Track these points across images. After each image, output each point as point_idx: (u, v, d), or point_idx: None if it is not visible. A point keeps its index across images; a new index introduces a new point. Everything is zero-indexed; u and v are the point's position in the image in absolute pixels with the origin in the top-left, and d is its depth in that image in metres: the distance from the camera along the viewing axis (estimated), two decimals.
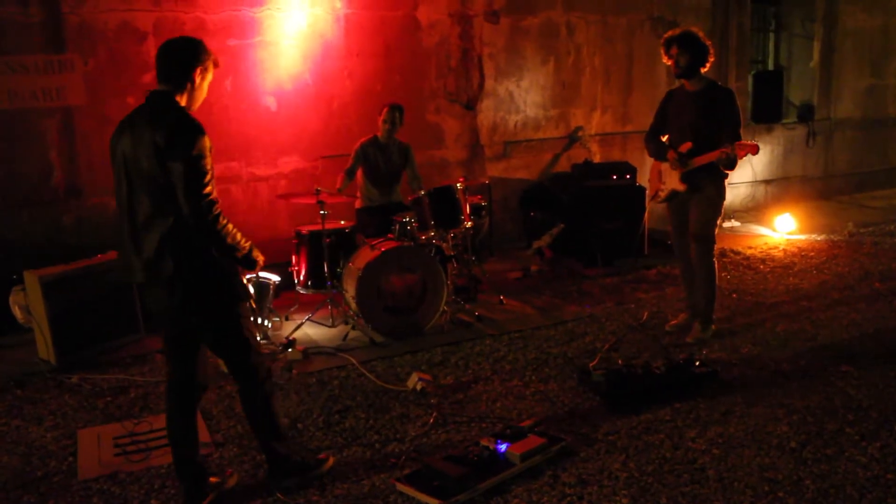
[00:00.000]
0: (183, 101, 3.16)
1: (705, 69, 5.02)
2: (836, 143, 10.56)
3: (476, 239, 6.48)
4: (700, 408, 4.15)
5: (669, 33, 5.06)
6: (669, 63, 5.04)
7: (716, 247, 5.18)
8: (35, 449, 4.00)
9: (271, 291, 5.60)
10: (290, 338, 5.32)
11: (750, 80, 9.87)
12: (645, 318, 5.72)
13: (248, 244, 3.23)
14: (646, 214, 7.33)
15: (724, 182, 5.05)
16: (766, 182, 10.01)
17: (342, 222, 6.02)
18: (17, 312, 5.55)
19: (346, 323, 5.68)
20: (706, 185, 5.01)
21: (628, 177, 7.57)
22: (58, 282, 5.09)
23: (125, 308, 5.41)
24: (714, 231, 5.10)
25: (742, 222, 8.99)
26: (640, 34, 8.75)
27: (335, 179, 6.35)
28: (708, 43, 4.99)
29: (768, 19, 10.63)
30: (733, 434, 3.86)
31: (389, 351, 5.21)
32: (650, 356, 4.87)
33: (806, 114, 10.33)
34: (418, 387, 4.47)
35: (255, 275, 5.43)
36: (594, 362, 4.79)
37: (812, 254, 7.47)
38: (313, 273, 5.84)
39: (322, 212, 5.53)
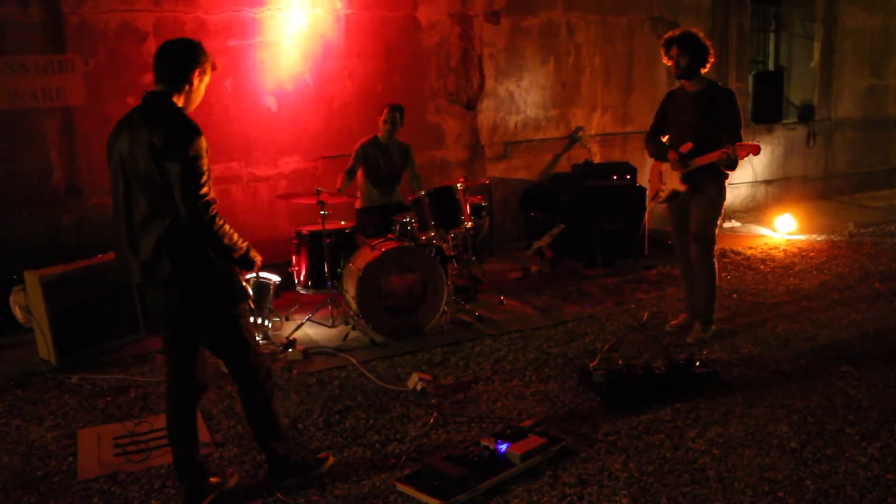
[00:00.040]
0: (180, 102, 3.16)
1: (705, 70, 5.02)
2: (836, 143, 10.56)
3: (476, 239, 6.48)
4: (700, 408, 4.15)
5: (669, 34, 5.06)
6: (669, 63, 5.04)
7: (716, 247, 5.18)
8: (35, 449, 4.00)
9: (271, 292, 5.60)
10: (291, 338, 5.32)
11: (750, 80, 9.88)
12: (645, 318, 5.72)
13: (245, 244, 3.23)
14: (646, 215, 7.33)
15: (724, 182, 5.05)
16: (767, 182, 10.01)
17: (342, 222, 6.03)
18: (17, 312, 5.55)
19: (347, 323, 5.69)
20: (707, 186, 5.01)
21: (628, 177, 7.57)
22: (58, 282, 5.10)
23: (125, 308, 5.41)
24: (714, 231, 5.10)
25: (742, 222, 9.00)
26: (641, 34, 8.75)
27: (335, 180, 6.36)
28: (708, 43, 4.99)
29: (768, 19, 10.64)
30: (733, 434, 3.86)
31: (390, 351, 5.21)
32: (650, 356, 4.87)
33: (806, 114, 10.33)
34: (418, 387, 4.47)
35: (255, 275, 5.44)
36: (594, 362, 4.79)
37: (812, 254, 7.47)
38: (313, 273, 5.84)
39: (322, 212, 5.53)
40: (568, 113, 8.46)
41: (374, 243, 5.54)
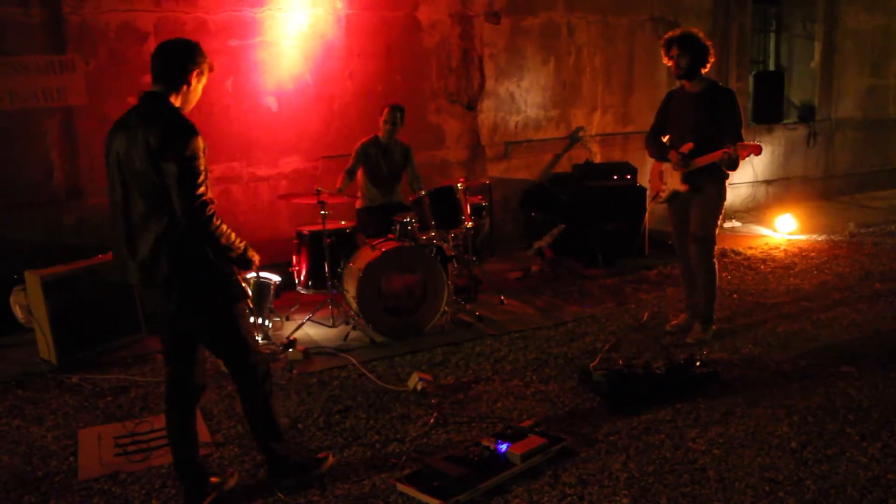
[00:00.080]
0: (178, 102, 3.16)
1: (706, 70, 5.02)
2: (836, 143, 10.56)
3: (476, 239, 6.48)
4: (700, 408, 4.15)
5: (670, 34, 5.07)
6: (670, 64, 5.04)
7: (716, 247, 5.18)
8: (36, 449, 4.00)
9: (272, 292, 5.60)
10: (291, 338, 5.32)
11: (751, 80, 9.87)
12: (645, 318, 5.72)
13: (242, 244, 3.22)
14: (646, 215, 7.33)
15: (725, 183, 5.06)
16: (767, 182, 10.01)
17: (343, 222, 6.03)
18: (18, 312, 5.55)
19: (347, 323, 5.69)
20: (707, 186, 5.01)
21: (629, 177, 7.58)
22: (59, 282, 5.10)
23: (126, 308, 5.41)
24: (714, 232, 5.10)
25: (743, 222, 8.99)
26: (641, 34, 8.75)
27: (336, 180, 6.36)
28: (708, 43, 4.99)
29: (769, 20, 10.63)
30: (734, 434, 3.86)
31: (390, 351, 5.21)
32: (651, 356, 4.87)
33: (807, 114, 10.33)
34: (419, 387, 4.47)
35: (255, 275, 5.44)
36: (595, 363, 4.79)
37: (813, 254, 7.47)
38: (314, 273, 5.84)
39: (323, 212, 5.53)
40: (568, 113, 8.46)
41: (374, 243, 5.54)
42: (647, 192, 6.43)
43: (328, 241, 5.62)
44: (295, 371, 4.91)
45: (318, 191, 5.58)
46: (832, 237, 8.17)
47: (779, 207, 9.16)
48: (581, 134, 8.47)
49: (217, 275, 3.18)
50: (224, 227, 3.13)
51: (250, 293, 3.40)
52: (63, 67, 6.08)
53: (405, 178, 6.54)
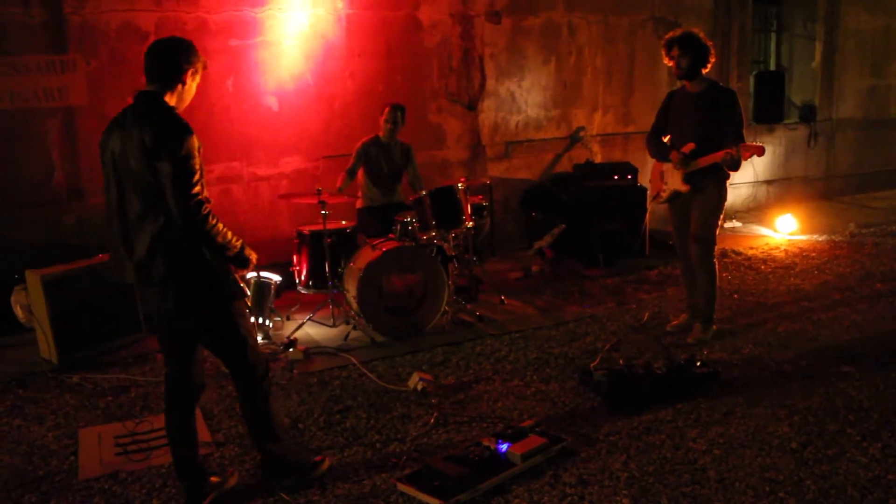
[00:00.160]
0: (172, 101, 3.15)
1: (707, 70, 5.02)
2: (837, 143, 10.56)
3: (477, 239, 6.48)
4: (701, 408, 4.15)
5: (670, 34, 5.06)
6: (671, 64, 5.04)
7: (717, 247, 5.19)
8: (36, 448, 4.00)
9: (272, 291, 5.60)
10: (292, 338, 5.32)
11: (751, 80, 9.87)
12: (646, 318, 5.72)
13: (239, 242, 3.21)
14: (647, 215, 7.33)
15: (726, 183, 5.06)
16: (768, 182, 10.01)
17: (343, 222, 6.03)
18: (18, 312, 5.56)
19: (348, 323, 5.69)
20: (708, 186, 5.01)
21: (630, 177, 7.58)
22: (59, 281, 5.10)
23: (126, 308, 5.41)
24: (715, 232, 5.10)
25: (743, 223, 8.99)
26: (642, 35, 8.75)
27: (336, 179, 6.35)
28: (709, 44, 4.99)
29: (770, 20, 10.63)
30: (734, 434, 3.86)
31: (390, 351, 5.21)
32: (651, 356, 4.87)
33: (807, 114, 10.32)
34: (419, 387, 4.47)
35: (256, 274, 5.45)
36: (595, 362, 4.79)
37: (813, 254, 7.46)
38: (314, 273, 5.84)
39: (323, 212, 5.53)
40: (569, 113, 8.46)
41: (375, 243, 5.54)
42: (648, 192, 6.43)
43: (329, 240, 5.62)
44: (295, 371, 4.91)
45: (318, 190, 5.58)
46: (833, 237, 8.17)
47: (779, 207, 9.16)
48: (582, 134, 8.47)
49: (214, 274, 3.18)
50: (220, 225, 3.12)
51: (248, 292, 3.40)
52: (64, 67, 6.09)
53: (406, 177, 6.54)
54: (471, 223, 5.84)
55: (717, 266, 5.20)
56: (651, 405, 4.17)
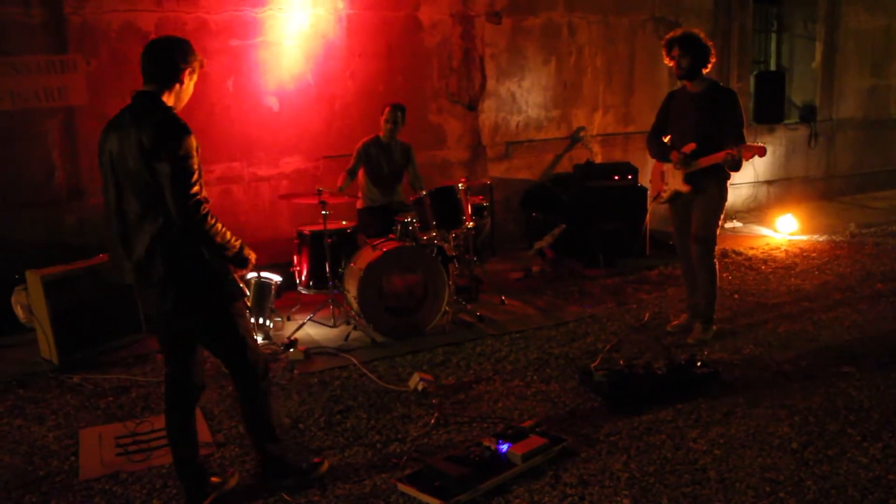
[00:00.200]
0: (170, 101, 3.14)
1: (707, 70, 5.02)
2: (838, 143, 10.56)
3: (478, 239, 6.48)
4: (701, 408, 4.15)
5: (671, 34, 5.06)
6: (671, 64, 5.04)
7: (717, 247, 5.19)
8: (37, 449, 4.00)
9: (273, 292, 5.60)
10: (292, 338, 5.33)
11: (752, 80, 9.87)
12: (646, 318, 5.72)
13: (238, 242, 3.21)
14: (648, 215, 7.33)
15: (726, 183, 5.06)
16: (768, 183, 10.00)
17: (344, 222, 6.03)
18: (19, 312, 5.56)
19: (348, 323, 5.69)
20: (709, 186, 5.01)
21: (630, 177, 7.58)
22: (60, 281, 5.10)
23: (127, 308, 5.41)
24: (716, 232, 5.10)
25: (744, 223, 8.99)
26: (642, 35, 8.75)
27: (337, 180, 6.35)
28: (709, 44, 4.99)
29: (770, 20, 10.63)
30: (735, 435, 3.85)
31: (391, 351, 5.21)
32: (652, 357, 4.87)
33: (808, 114, 10.33)
34: (420, 387, 4.47)
35: (256, 275, 5.45)
36: (596, 363, 4.79)
37: (814, 254, 7.46)
38: (315, 273, 5.84)
39: (324, 212, 5.53)
40: (569, 113, 8.46)
41: (375, 243, 5.54)
42: (648, 192, 6.43)
43: (329, 241, 5.62)
44: (296, 371, 4.91)
45: (319, 191, 5.58)
46: (833, 237, 8.17)
47: (780, 208, 9.16)
48: (582, 134, 8.47)
49: (213, 274, 3.17)
50: (219, 225, 3.12)
51: (248, 292, 3.39)
52: (64, 67, 6.09)
53: (406, 178, 6.54)
54: (471, 223, 5.84)
55: (717, 266, 5.20)
56: (651, 405, 4.17)
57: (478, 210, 6.40)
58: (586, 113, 8.56)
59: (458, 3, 7.63)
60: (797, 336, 5.26)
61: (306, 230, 5.88)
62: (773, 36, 10.74)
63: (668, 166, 5.18)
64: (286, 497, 3.40)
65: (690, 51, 4.92)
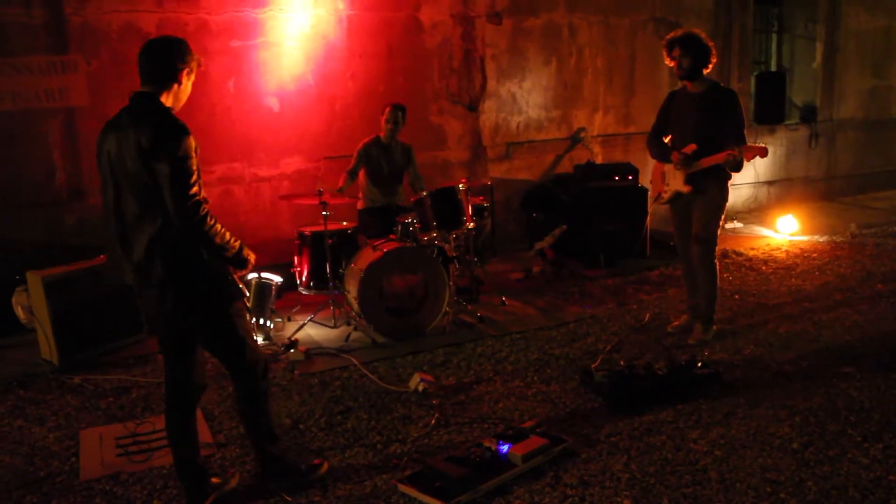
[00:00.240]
0: (168, 101, 3.14)
1: (708, 70, 5.02)
2: (838, 144, 10.55)
3: (478, 240, 6.48)
4: (702, 409, 4.15)
5: (672, 34, 5.06)
6: (672, 64, 5.03)
7: (718, 248, 5.18)
8: (37, 449, 4.01)
9: (273, 292, 5.61)
10: (293, 339, 5.33)
11: (752, 81, 9.87)
12: (647, 319, 5.72)
13: (237, 243, 3.20)
14: (648, 216, 7.33)
15: (727, 184, 5.06)
16: (769, 183, 10.00)
17: (344, 223, 6.02)
18: (19, 313, 5.56)
19: (349, 324, 5.69)
20: (710, 187, 5.01)
21: (630, 178, 7.58)
22: (60, 282, 5.10)
23: (127, 308, 5.36)
24: (716, 232, 5.10)
25: (744, 223, 8.99)
26: (643, 35, 8.75)
27: (338, 180, 6.36)
28: (710, 44, 4.98)
29: (771, 20, 10.63)
30: (735, 435, 3.85)
31: (391, 352, 5.21)
32: (652, 357, 4.87)
33: (808, 115, 10.32)
34: (420, 388, 4.47)
35: (257, 275, 5.45)
36: (596, 363, 4.79)
37: (814, 255, 7.46)
38: (315, 274, 5.84)
39: (324, 212, 5.53)
40: (570, 114, 8.46)
41: (375, 244, 5.54)
42: (649, 192, 6.43)
43: (330, 241, 5.62)
44: (296, 372, 4.91)
45: (319, 191, 5.58)
46: (834, 238, 8.17)
47: (780, 208, 9.16)
48: (583, 135, 8.47)
49: (212, 275, 3.17)
50: (218, 226, 3.11)
51: (247, 292, 3.39)
52: (65, 68, 6.09)
53: (407, 178, 6.54)
54: (472, 224, 5.84)
55: (718, 267, 5.20)
56: (652, 406, 4.17)
57: (478, 211, 6.40)
58: (587, 113, 8.56)
59: (459, 4, 7.63)
60: (798, 337, 5.25)
61: (307, 231, 5.88)
62: (774, 36, 10.73)
63: (668, 167, 5.18)
64: (287, 497, 3.40)
65: (691, 51, 4.92)
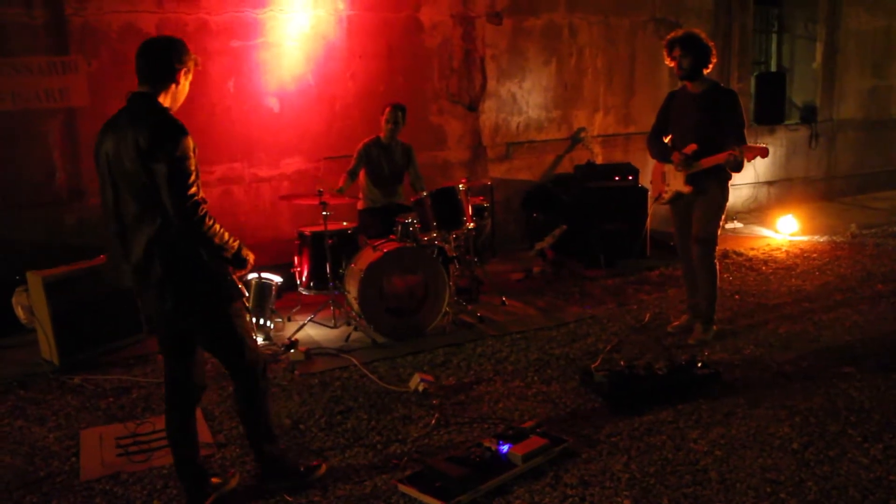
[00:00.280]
0: (166, 101, 3.13)
1: (708, 70, 5.02)
2: (838, 144, 10.56)
3: (478, 240, 6.48)
4: (702, 409, 4.15)
5: (672, 35, 5.06)
6: (672, 64, 5.03)
7: (718, 248, 5.19)
8: (38, 449, 4.01)
9: (273, 292, 5.61)
10: (293, 339, 5.33)
11: (752, 81, 9.87)
12: (647, 319, 5.72)
13: (236, 243, 3.20)
14: (648, 216, 7.33)
15: (727, 184, 5.06)
16: (769, 183, 10.00)
17: (344, 223, 6.03)
18: (20, 313, 5.56)
19: (349, 324, 5.69)
20: (710, 187, 5.01)
21: (630, 178, 7.58)
22: (60, 282, 5.10)
23: (127, 308, 5.40)
24: (717, 232, 5.10)
25: (744, 223, 8.99)
26: (643, 35, 8.75)
27: (338, 180, 6.36)
28: (710, 44, 4.98)
29: (771, 21, 10.63)
30: (735, 435, 3.85)
31: (391, 352, 5.21)
32: (652, 357, 4.87)
33: (808, 115, 10.33)
34: (420, 388, 4.47)
35: (257, 275, 5.45)
36: (596, 363, 4.79)
37: (814, 255, 7.46)
38: (316, 274, 5.84)
39: (324, 213, 5.54)
40: (570, 114, 8.46)
41: (376, 244, 5.54)
42: (649, 192, 6.43)
43: (330, 241, 5.62)
44: (297, 372, 4.91)
45: (319, 192, 5.58)
46: (834, 238, 8.17)
47: (780, 208, 9.16)
48: (583, 135, 8.47)
49: (211, 275, 3.17)
50: (217, 226, 3.11)
51: (246, 293, 3.39)
52: (65, 68, 6.09)
53: (407, 178, 6.54)
54: (472, 224, 5.84)
55: (718, 267, 5.20)
56: (652, 406, 4.17)
57: (478, 211, 6.40)
58: (587, 114, 8.56)
59: (459, 4, 7.63)
60: (798, 337, 5.25)
61: (307, 231, 5.88)
62: (774, 37, 10.74)
63: (669, 167, 5.18)
64: (287, 498, 3.40)
65: (692, 51, 4.92)
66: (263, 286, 5.53)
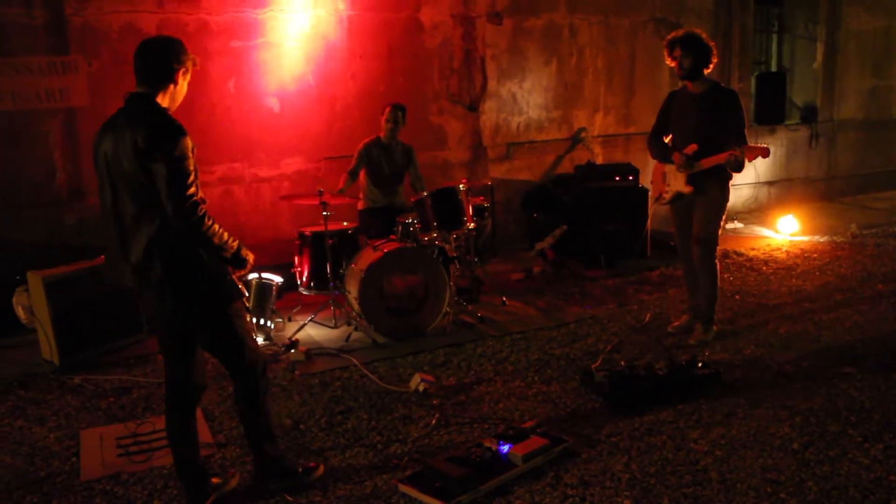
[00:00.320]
0: (164, 102, 3.13)
1: (708, 70, 5.02)
2: (839, 144, 10.55)
3: (479, 240, 6.48)
4: (702, 409, 4.15)
5: (672, 35, 5.06)
6: (672, 64, 5.03)
7: (719, 248, 5.18)
8: (38, 449, 4.01)
9: (274, 293, 5.61)
10: (293, 339, 5.33)
11: (753, 81, 9.87)
12: (647, 319, 5.72)
13: (235, 243, 3.19)
14: (649, 216, 7.33)
15: (728, 184, 5.06)
16: (769, 183, 10.00)
17: (345, 223, 6.03)
18: (20, 313, 5.56)
19: (349, 324, 5.69)
20: (711, 187, 5.01)
21: (631, 178, 7.58)
22: (61, 282, 5.10)
23: (127, 308, 5.37)
24: (717, 233, 5.10)
25: (745, 224, 8.99)
26: (643, 35, 8.75)
27: (338, 181, 6.36)
28: (711, 44, 4.98)
29: (771, 21, 10.63)
30: (736, 435, 3.85)
31: (392, 352, 5.21)
32: (653, 357, 4.86)
33: (809, 115, 10.33)
34: (420, 388, 4.47)
35: (258, 275, 5.45)
36: (597, 363, 4.78)
37: (815, 255, 7.46)
38: (316, 274, 5.84)
39: (325, 213, 5.54)
40: (570, 114, 8.46)
41: (376, 244, 5.54)
42: (650, 192, 6.43)
43: (330, 241, 5.62)
44: (297, 372, 4.91)
45: (320, 192, 5.58)
46: (834, 238, 8.17)
47: (781, 208, 9.16)
48: (583, 135, 8.47)
49: (211, 275, 3.16)
50: (216, 226, 3.10)
51: (246, 293, 3.39)
52: (65, 68, 6.09)
53: (407, 178, 6.54)
54: (472, 224, 5.84)
55: (718, 267, 5.20)
56: (652, 406, 4.17)
57: (479, 211, 6.40)
58: (587, 114, 8.56)
59: (459, 4, 7.63)
60: (798, 337, 5.25)
61: (307, 231, 5.88)
62: (774, 37, 10.73)
63: (669, 167, 5.18)
64: (287, 497, 3.40)
65: (692, 51, 4.92)
66: (264, 286, 5.53)
